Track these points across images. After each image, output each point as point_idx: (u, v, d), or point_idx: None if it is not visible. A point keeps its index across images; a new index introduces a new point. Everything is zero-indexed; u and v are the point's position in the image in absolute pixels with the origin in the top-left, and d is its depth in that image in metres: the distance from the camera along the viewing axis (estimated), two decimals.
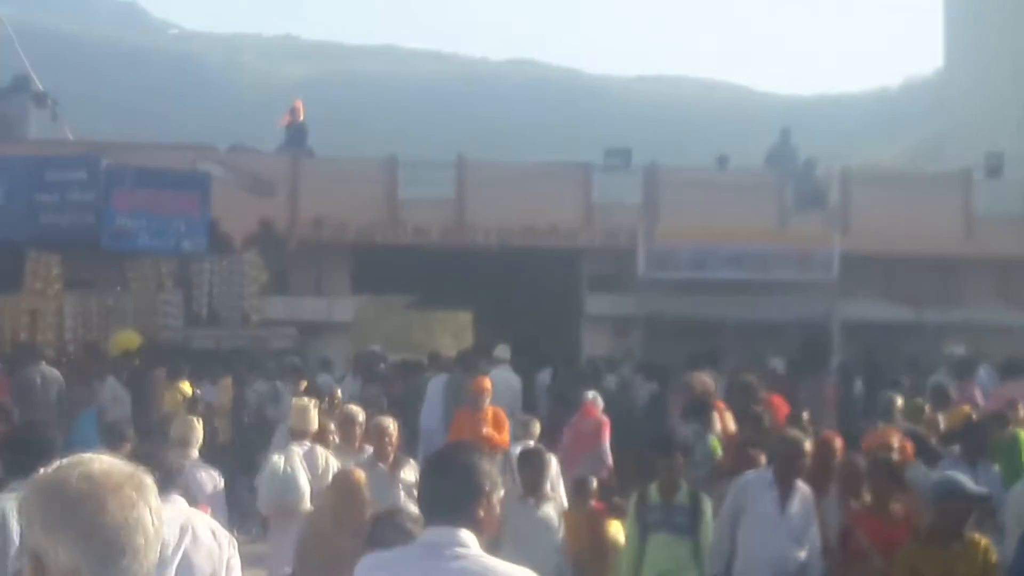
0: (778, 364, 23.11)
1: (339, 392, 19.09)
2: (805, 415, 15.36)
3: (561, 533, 11.15)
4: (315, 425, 12.58)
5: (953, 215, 29.41)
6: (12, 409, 17.61)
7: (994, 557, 9.06)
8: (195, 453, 11.49)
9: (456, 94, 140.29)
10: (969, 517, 9.08)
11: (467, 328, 41.81)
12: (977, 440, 12.54)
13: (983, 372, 22.25)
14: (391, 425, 11.71)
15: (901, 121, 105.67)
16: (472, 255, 28.28)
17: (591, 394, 18.13)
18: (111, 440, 10.82)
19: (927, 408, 15.88)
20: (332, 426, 13.35)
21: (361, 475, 9.54)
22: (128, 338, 22.55)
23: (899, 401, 15.98)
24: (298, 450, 12.08)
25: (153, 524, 3.12)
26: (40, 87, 30.34)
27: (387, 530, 6.69)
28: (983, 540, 9.09)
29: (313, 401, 13.34)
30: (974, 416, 15.33)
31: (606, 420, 17.49)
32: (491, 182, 28.13)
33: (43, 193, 24.35)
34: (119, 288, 24.63)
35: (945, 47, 57.88)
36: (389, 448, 11.52)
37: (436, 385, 22.18)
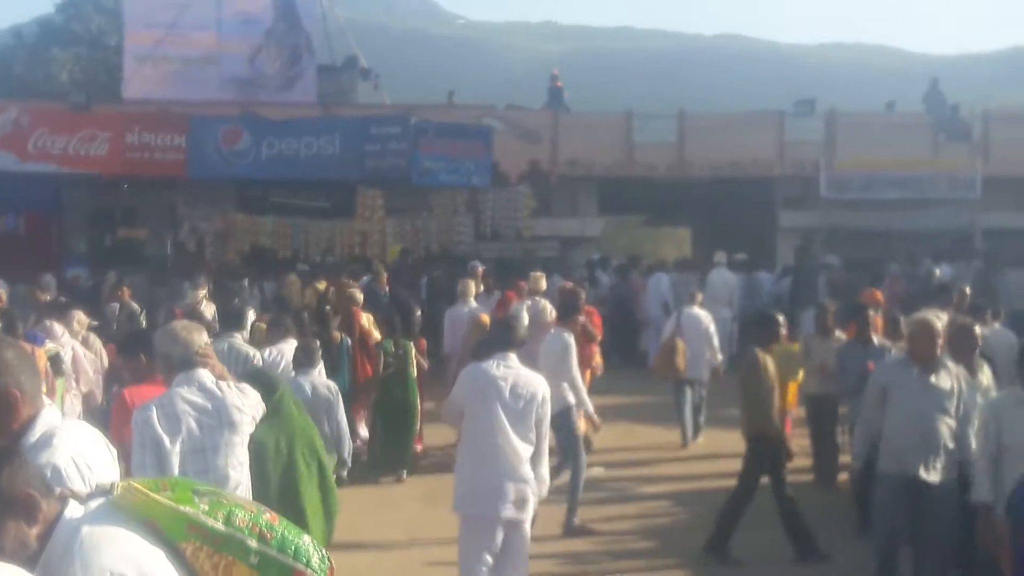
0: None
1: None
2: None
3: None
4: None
5: None
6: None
7: None
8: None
9: (678, 62, 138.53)
10: None
11: (685, 241, 41.32)
12: None
13: None
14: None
15: None
16: (690, 185, 28.02)
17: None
18: None
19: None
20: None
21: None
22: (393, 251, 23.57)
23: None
24: (528, 302, 14.57)
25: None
26: (365, 65, 30.83)
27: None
28: None
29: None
30: None
31: None
32: (705, 129, 27.88)
33: (368, 144, 24.71)
34: (425, 213, 24.95)
35: None
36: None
37: (659, 281, 22.18)
